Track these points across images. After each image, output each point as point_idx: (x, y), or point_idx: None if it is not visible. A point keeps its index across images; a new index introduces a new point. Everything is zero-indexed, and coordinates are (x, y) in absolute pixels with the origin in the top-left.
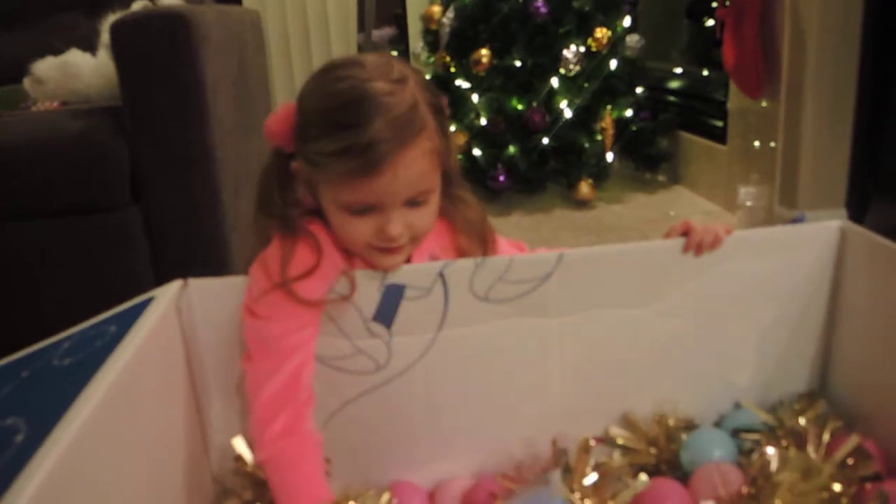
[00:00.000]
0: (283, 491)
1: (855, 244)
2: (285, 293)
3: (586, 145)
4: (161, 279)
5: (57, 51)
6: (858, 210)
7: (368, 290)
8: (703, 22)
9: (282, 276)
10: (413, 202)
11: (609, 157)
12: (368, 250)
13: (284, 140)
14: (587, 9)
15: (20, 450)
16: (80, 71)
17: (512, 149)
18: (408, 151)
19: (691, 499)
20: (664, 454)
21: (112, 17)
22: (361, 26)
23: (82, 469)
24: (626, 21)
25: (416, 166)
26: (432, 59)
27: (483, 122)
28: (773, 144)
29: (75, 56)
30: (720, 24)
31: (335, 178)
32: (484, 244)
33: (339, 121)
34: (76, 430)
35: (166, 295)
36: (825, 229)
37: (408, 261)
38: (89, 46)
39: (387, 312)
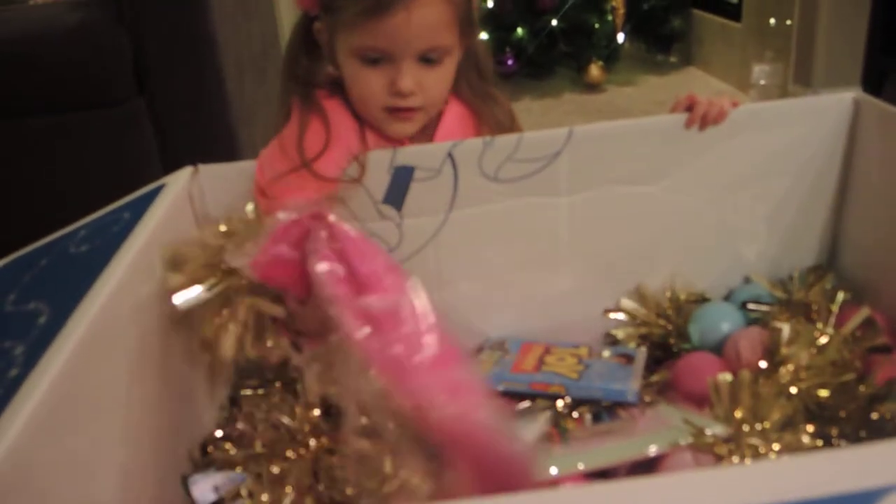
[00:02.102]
0: None
1: (869, 116)
2: (301, 173)
3: (596, 26)
4: (169, 168)
5: None
6: (875, 88)
7: (378, 172)
8: None
9: (299, 154)
10: (426, 58)
11: (620, 38)
12: (381, 114)
13: (310, 2)
14: None
15: (44, 330)
16: None
17: (520, 31)
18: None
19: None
20: (674, 327)
21: None
22: None
23: (102, 350)
24: None
25: (431, 14)
26: None
27: (490, 3)
28: (788, 22)
29: None
30: None
31: (349, 21)
32: None
33: None
34: (95, 312)
35: (178, 181)
36: (839, 101)
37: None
38: None
39: (397, 194)
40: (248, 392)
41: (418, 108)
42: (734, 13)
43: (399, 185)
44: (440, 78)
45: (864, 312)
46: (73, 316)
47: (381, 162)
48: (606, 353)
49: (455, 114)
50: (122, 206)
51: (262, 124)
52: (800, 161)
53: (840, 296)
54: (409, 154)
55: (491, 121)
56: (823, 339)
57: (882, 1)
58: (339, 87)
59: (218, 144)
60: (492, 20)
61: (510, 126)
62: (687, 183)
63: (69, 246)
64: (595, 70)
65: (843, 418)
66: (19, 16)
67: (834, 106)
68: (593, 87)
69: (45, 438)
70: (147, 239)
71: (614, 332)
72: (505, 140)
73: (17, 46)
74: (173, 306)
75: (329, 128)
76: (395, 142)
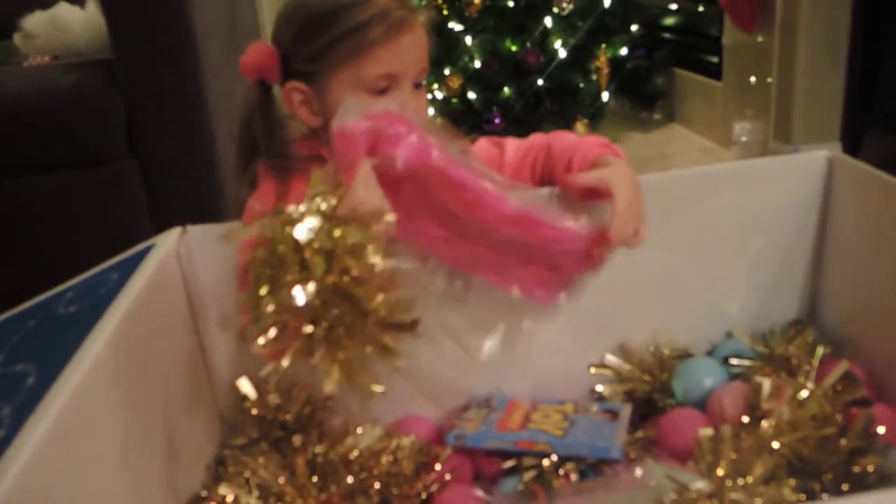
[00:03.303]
0: None
1: (843, 174)
2: None
3: (581, 85)
4: (160, 228)
5: (46, 5)
6: (853, 144)
7: None
8: None
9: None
10: (417, 82)
11: (604, 96)
12: None
13: (268, 69)
14: None
15: (31, 392)
16: (69, 24)
17: (507, 90)
18: (416, 20)
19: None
20: (657, 382)
21: None
22: None
23: (90, 410)
24: None
25: (423, 35)
26: (424, 3)
27: (477, 64)
28: (769, 80)
29: (64, 9)
30: None
31: (353, 56)
32: None
33: (347, 4)
34: (83, 373)
35: (166, 242)
36: (813, 159)
37: None
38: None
39: None
40: (236, 451)
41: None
42: (715, 72)
43: None
44: (424, 98)
45: (842, 366)
46: (59, 379)
47: None
48: (593, 409)
49: None
50: (111, 267)
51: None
52: (777, 218)
53: (819, 350)
54: None
55: None
56: (804, 394)
57: (857, 59)
58: (315, 139)
59: (208, 205)
60: (479, 80)
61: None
62: (667, 240)
63: (57, 307)
64: (581, 128)
65: (825, 472)
66: (14, 77)
67: (809, 164)
68: None
69: (30, 501)
70: (134, 300)
71: (599, 388)
72: None
73: (12, 107)
74: (156, 367)
75: None
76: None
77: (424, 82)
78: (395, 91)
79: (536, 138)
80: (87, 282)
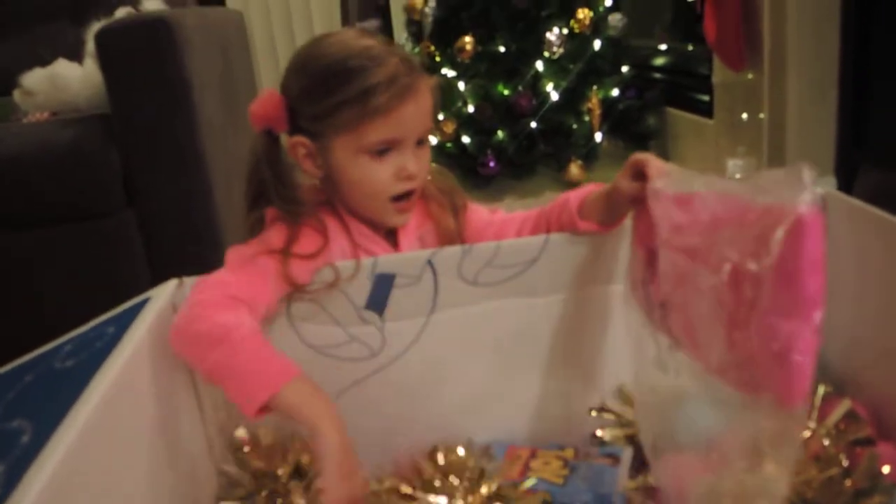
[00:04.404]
0: (230, 365)
1: (838, 211)
2: (277, 260)
3: (574, 127)
4: (158, 279)
5: (44, 61)
6: (847, 179)
7: (359, 279)
8: None
9: (283, 249)
10: (420, 140)
11: (598, 137)
12: (387, 205)
13: (276, 121)
14: None
15: (26, 450)
16: (68, 81)
17: (500, 134)
18: (422, 83)
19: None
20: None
21: (96, 26)
22: (345, 20)
23: (86, 467)
24: (608, 1)
25: (428, 99)
26: (417, 50)
27: (470, 109)
28: (761, 116)
29: (63, 66)
30: None
31: (356, 123)
32: (455, 211)
33: (351, 69)
34: (78, 430)
35: (162, 294)
36: None
37: (396, 244)
38: (75, 55)
39: (378, 301)
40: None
41: (415, 190)
42: (706, 110)
43: (380, 292)
44: (427, 154)
45: (845, 405)
46: (54, 436)
47: (361, 270)
48: (594, 452)
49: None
50: (107, 321)
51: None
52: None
53: (821, 389)
54: (390, 262)
55: (432, 190)
56: (806, 434)
57: (848, 93)
58: (322, 187)
59: (206, 255)
60: (473, 124)
61: (451, 193)
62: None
63: (54, 362)
64: (575, 169)
65: None
66: (13, 134)
67: None
68: (574, 185)
69: None
70: (130, 355)
71: (600, 432)
72: (483, 248)
73: (12, 164)
74: (153, 421)
75: (327, 235)
76: (382, 232)
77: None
78: (395, 152)
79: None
80: (84, 336)
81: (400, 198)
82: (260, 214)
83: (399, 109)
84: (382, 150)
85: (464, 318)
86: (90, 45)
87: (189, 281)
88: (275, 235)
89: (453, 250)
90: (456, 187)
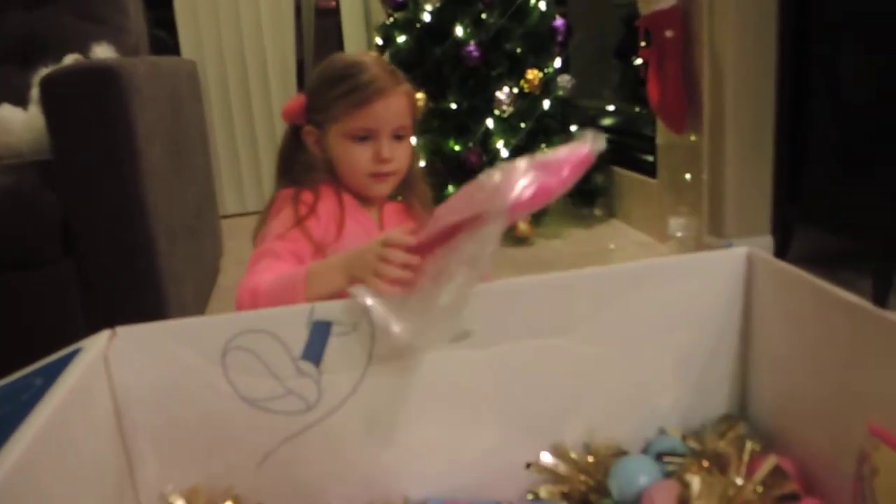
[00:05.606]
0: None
1: (763, 270)
2: (290, 223)
3: None
4: (93, 330)
5: None
6: (784, 237)
7: (296, 327)
8: (632, 61)
9: (295, 215)
10: (397, 135)
11: None
12: (366, 180)
13: (297, 115)
14: (518, 51)
15: None
16: (10, 126)
17: (451, 189)
18: (395, 89)
19: None
20: (594, 482)
21: (43, 71)
22: (300, 71)
23: None
24: (557, 62)
25: (401, 103)
26: None
27: (422, 164)
28: (704, 177)
29: (6, 111)
30: (645, 64)
31: (343, 113)
32: None
33: (345, 73)
34: None
35: (95, 345)
36: (732, 256)
37: (381, 224)
38: (21, 100)
39: (315, 350)
40: None
41: (392, 172)
42: (650, 170)
43: (317, 341)
44: (405, 150)
45: (771, 461)
46: None
47: (298, 317)
48: None
49: (391, 206)
50: (34, 372)
51: (192, 282)
52: (701, 313)
53: (749, 445)
54: (327, 309)
55: (416, 200)
56: (732, 491)
57: (782, 154)
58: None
59: (146, 305)
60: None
61: (427, 199)
62: (596, 335)
63: None
64: (523, 225)
65: None
66: None
67: (729, 261)
68: (522, 241)
69: None
70: (55, 408)
71: (536, 488)
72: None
73: None
74: (77, 477)
75: (318, 194)
76: (366, 201)
77: (414, 140)
78: (370, 142)
79: None
80: (10, 386)
81: (376, 175)
82: (285, 184)
83: (374, 104)
84: (363, 137)
85: (401, 372)
86: (35, 91)
87: (122, 330)
88: (284, 219)
89: (392, 298)
90: (429, 197)
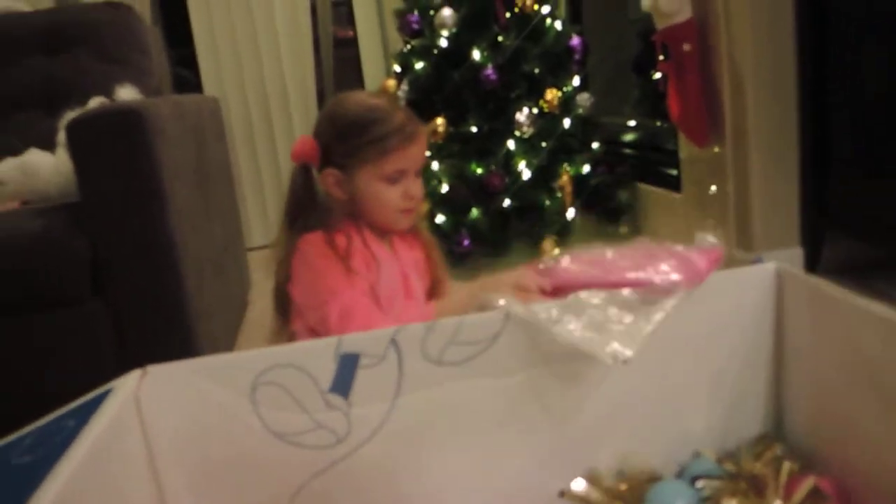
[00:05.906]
0: None
1: (792, 286)
2: (342, 269)
3: (547, 203)
4: (123, 370)
5: (17, 150)
6: (814, 248)
7: (324, 360)
8: (651, 75)
9: (342, 263)
10: (419, 173)
11: (570, 213)
12: (396, 215)
13: (310, 157)
14: (536, 72)
15: None
16: (39, 170)
17: (475, 212)
18: (420, 129)
19: None
20: None
21: (69, 115)
22: (321, 104)
23: None
24: (576, 80)
25: (424, 141)
26: None
27: (444, 188)
28: (729, 189)
29: (34, 155)
30: (664, 78)
31: (377, 157)
32: (435, 267)
33: (370, 118)
34: None
35: (125, 385)
36: (761, 273)
37: (393, 252)
38: (48, 144)
39: (343, 382)
40: None
41: (416, 207)
42: (674, 184)
43: (345, 373)
44: (422, 185)
45: (809, 482)
46: None
47: (326, 350)
48: None
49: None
50: (67, 413)
51: (221, 317)
52: (732, 332)
53: (786, 466)
54: (354, 341)
55: (418, 224)
56: None
57: (807, 162)
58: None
59: (175, 342)
60: (447, 204)
61: (421, 222)
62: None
63: (12, 457)
64: (549, 244)
65: None
66: None
67: (758, 277)
68: None
69: None
70: (87, 451)
71: None
72: (445, 324)
73: None
74: None
75: (350, 236)
76: (385, 242)
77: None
78: (403, 180)
79: None
80: (44, 429)
81: (406, 211)
82: (294, 236)
83: (407, 149)
84: (394, 178)
85: (429, 401)
86: (62, 135)
87: (153, 369)
88: (330, 268)
89: (416, 327)
90: (438, 253)
